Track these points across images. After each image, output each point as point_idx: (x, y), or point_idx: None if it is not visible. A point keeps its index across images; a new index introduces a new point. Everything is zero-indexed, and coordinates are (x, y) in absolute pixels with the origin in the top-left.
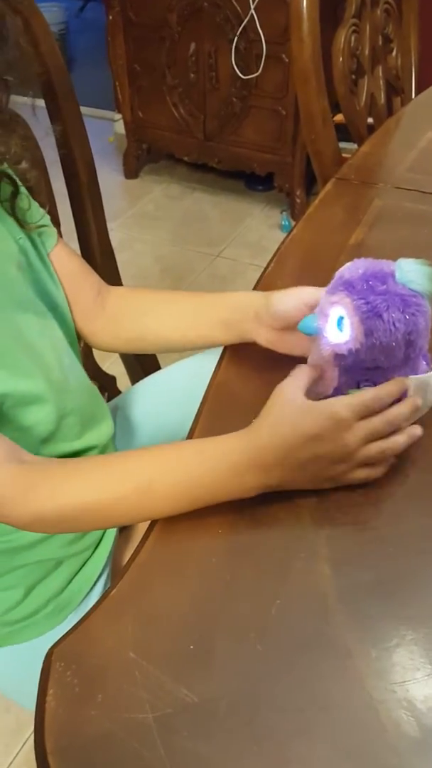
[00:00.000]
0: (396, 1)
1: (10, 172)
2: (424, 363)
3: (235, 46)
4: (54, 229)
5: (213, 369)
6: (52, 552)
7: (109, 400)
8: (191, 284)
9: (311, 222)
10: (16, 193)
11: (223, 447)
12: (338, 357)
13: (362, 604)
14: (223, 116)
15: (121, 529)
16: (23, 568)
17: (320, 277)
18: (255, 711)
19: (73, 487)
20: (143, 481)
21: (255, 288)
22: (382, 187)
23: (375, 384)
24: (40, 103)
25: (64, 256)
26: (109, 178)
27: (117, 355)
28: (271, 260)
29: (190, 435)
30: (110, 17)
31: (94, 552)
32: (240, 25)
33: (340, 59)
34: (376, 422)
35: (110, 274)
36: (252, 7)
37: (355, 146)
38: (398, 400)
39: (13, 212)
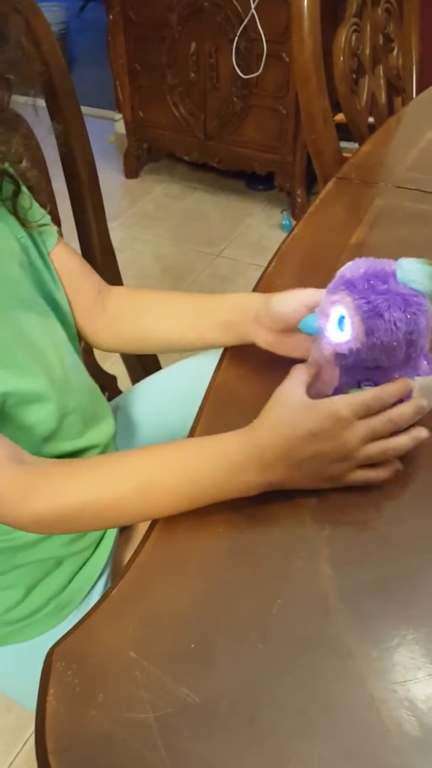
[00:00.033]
0: (397, 0)
1: (11, 171)
2: (426, 363)
3: (236, 46)
4: (55, 229)
5: (213, 369)
6: (53, 551)
7: (109, 399)
8: (192, 284)
9: (312, 221)
10: (17, 191)
11: (224, 446)
12: (339, 356)
13: (363, 604)
14: (223, 116)
15: (121, 528)
16: (24, 566)
17: (321, 277)
18: (256, 711)
19: (73, 488)
20: (143, 481)
21: (255, 288)
22: (383, 186)
23: (376, 384)
24: (41, 102)
25: (64, 255)
26: (110, 178)
27: (118, 355)
28: (271, 260)
29: (191, 435)
30: (111, 17)
31: (94, 551)
32: (240, 25)
33: (341, 58)
34: (377, 421)
35: (111, 274)
36: (252, 6)
37: (355, 146)
38: (401, 400)
39: (15, 211)
